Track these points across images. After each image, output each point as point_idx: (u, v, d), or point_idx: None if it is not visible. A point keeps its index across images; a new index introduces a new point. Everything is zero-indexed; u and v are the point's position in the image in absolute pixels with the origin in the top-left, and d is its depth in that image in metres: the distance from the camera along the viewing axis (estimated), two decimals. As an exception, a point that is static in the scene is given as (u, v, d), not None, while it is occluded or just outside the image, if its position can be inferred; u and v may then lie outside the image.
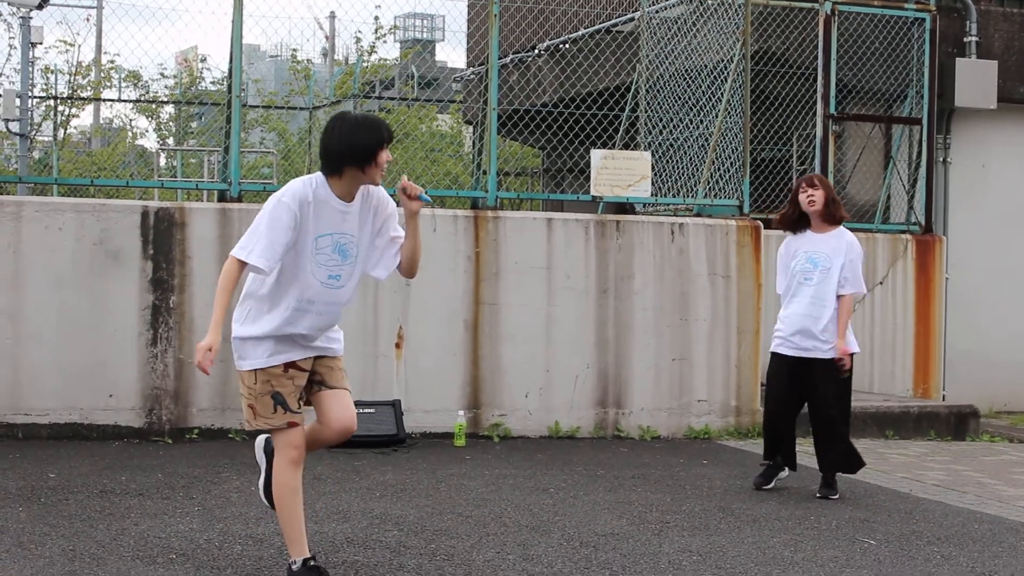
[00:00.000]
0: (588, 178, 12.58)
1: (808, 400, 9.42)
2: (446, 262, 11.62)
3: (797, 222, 9.38)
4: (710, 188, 12.85)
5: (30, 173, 23.46)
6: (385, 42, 30.46)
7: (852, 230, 14.68)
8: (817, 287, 9.24)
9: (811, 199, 9.24)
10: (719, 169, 12.90)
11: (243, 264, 5.97)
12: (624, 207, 12.97)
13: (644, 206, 13.09)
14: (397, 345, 11.51)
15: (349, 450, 10.59)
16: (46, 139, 28.72)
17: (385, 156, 6.05)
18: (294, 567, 6.25)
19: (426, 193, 6.14)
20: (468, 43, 21.85)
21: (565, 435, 11.81)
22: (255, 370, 6.15)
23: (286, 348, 6.14)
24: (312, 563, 6.26)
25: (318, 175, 6.10)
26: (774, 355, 9.45)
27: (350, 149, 5.99)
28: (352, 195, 6.10)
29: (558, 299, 11.89)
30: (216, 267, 10.80)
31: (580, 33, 18.33)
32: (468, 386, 11.67)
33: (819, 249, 9.27)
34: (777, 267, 9.56)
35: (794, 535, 7.97)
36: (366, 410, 10.99)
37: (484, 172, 12.21)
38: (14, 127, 22.78)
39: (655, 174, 13.16)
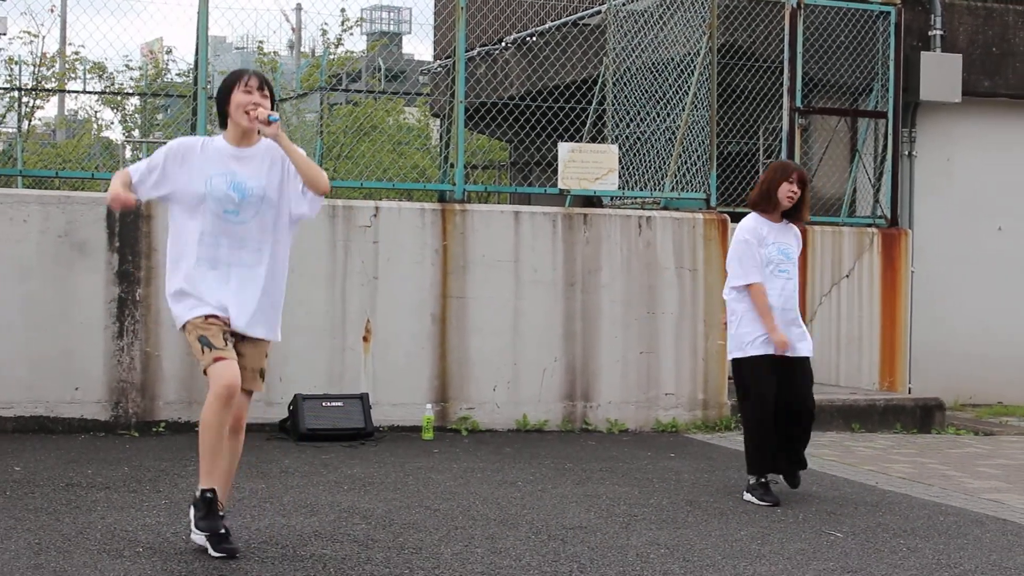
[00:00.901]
0: (555, 171, 12.59)
1: (788, 397, 8.95)
2: (413, 255, 11.61)
3: (768, 204, 8.90)
4: (677, 181, 12.87)
5: (-6, 165, 23.34)
6: (352, 34, 30.49)
7: (818, 224, 14.83)
8: (789, 281, 8.91)
9: (792, 196, 8.80)
10: (686, 162, 12.92)
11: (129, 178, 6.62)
12: (591, 200, 12.99)
13: (611, 199, 13.11)
14: (365, 338, 11.49)
15: (317, 443, 10.59)
16: (10, 130, 28.53)
17: (241, 98, 6.57)
18: (196, 494, 6.69)
19: (274, 113, 6.57)
20: (435, 35, 21.82)
21: (533, 428, 11.82)
22: (184, 324, 6.61)
23: (212, 299, 6.55)
24: (208, 494, 6.63)
25: (217, 135, 6.81)
26: (758, 357, 8.85)
27: (216, 102, 6.79)
28: (245, 141, 6.68)
29: (526, 292, 11.90)
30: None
31: (547, 26, 18.33)
32: (436, 379, 11.67)
33: (788, 241, 8.95)
34: (740, 254, 8.89)
35: (761, 528, 7.99)
36: (334, 403, 11.00)
37: (451, 165, 12.20)
38: (-22, 119, 22.66)
39: (622, 167, 13.18)
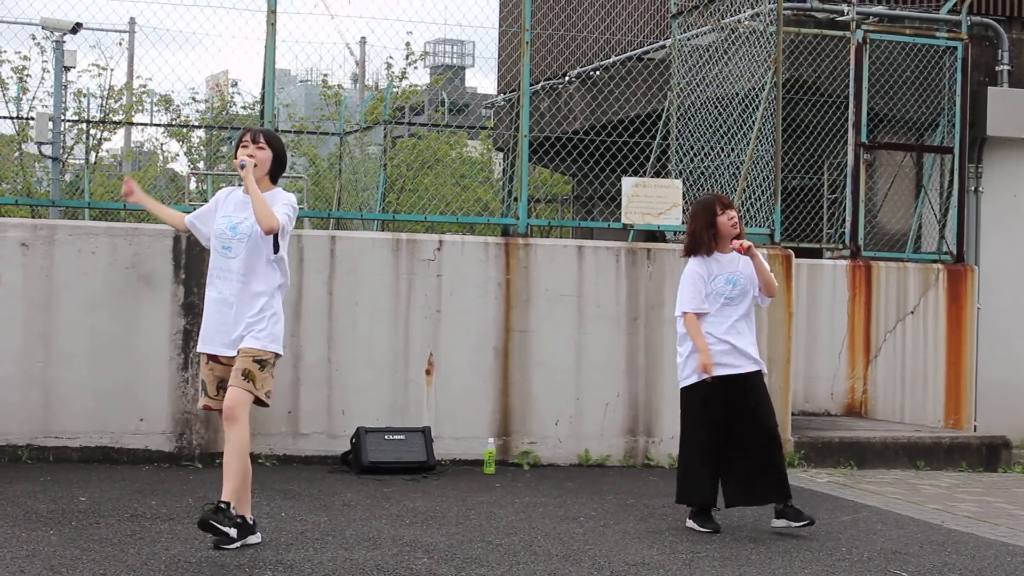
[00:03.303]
0: (619, 206, 12.58)
1: (742, 421, 8.93)
2: (477, 289, 11.62)
3: (705, 244, 8.99)
4: (741, 216, 12.81)
5: (62, 196, 23.56)
6: (416, 68, 30.53)
7: (883, 259, 14.75)
8: (739, 307, 8.98)
9: (734, 220, 8.94)
10: (750, 197, 12.87)
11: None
12: (655, 235, 12.96)
13: (675, 234, 13.07)
14: (427, 371, 11.50)
15: (379, 476, 10.59)
16: (78, 162, 28.80)
17: (239, 154, 7.57)
18: None
19: (245, 160, 7.54)
20: (499, 69, 21.89)
21: (595, 463, 11.78)
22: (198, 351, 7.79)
23: (209, 335, 7.60)
24: (221, 505, 7.44)
25: None
26: (701, 383, 8.91)
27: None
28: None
29: (588, 327, 11.88)
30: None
31: (611, 60, 18.36)
32: (498, 413, 11.66)
33: (738, 270, 8.97)
34: (688, 286, 8.99)
35: (825, 566, 7.92)
36: (396, 436, 11.01)
37: (515, 199, 12.22)
38: (47, 150, 22.86)
39: (686, 202, 13.14)
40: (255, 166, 7.53)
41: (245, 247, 7.54)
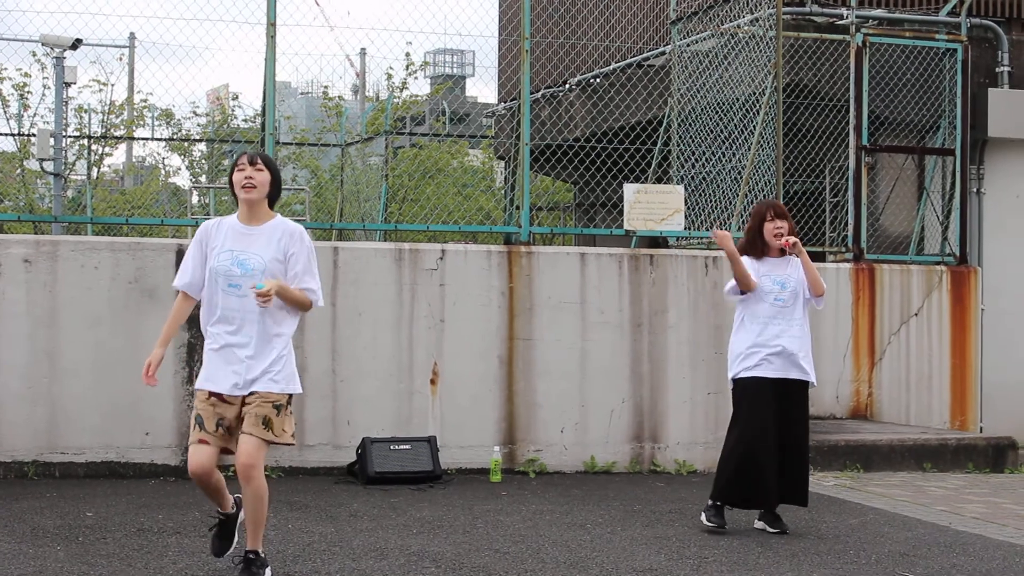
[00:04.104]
0: (621, 212, 12.58)
1: (780, 424, 9.07)
2: (480, 297, 11.62)
3: (758, 248, 9.17)
4: (744, 221, 12.80)
5: (64, 212, 23.58)
6: (416, 78, 30.53)
7: (886, 262, 14.75)
8: (792, 310, 9.10)
9: (779, 231, 9.06)
10: (752, 202, 12.87)
11: (178, 292, 7.29)
12: (657, 241, 12.97)
13: (678, 240, 13.08)
14: (432, 381, 11.50)
15: (385, 487, 10.59)
16: (80, 178, 28.83)
17: (237, 177, 7.11)
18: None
19: (260, 283, 6.96)
20: (499, 78, 21.91)
21: (601, 470, 11.77)
22: (196, 392, 7.15)
23: (216, 375, 7.04)
24: (221, 516, 7.36)
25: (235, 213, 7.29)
26: (751, 379, 9.11)
27: (228, 183, 7.31)
28: (253, 220, 7.15)
29: (592, 334, 11.87)
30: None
31: (611, 67, 18.37)
32: (503, 421, 11.66)
33: (786, 272, 9.11)
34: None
35: (833, 569, 7.92)
36: (402, 446, 11.01)
37: (517, 207, 12.22)
38: (48, 166, 22.89)
39: (688, 208, 13.16)
40: (254, 187, 7.08)
41: (255, 283, 6.96)
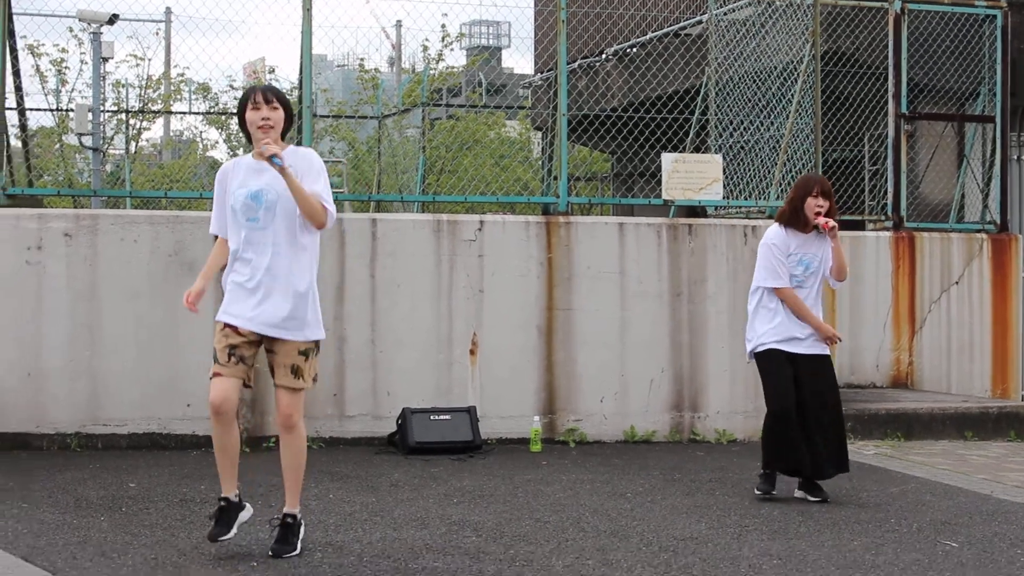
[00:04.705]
0: (659, 182, 12.54)
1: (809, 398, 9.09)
2: (518, 268, 11.62)
3: (797, 219, 9.13)
4: (782, 190, 12.76)
5: (103, 186, 23.69)
6: (452, 50, 30.50)
7: (926, 230, 14.68)
8: (809, 289, 9.11)
9: (820, 209, 9.02)
10: (791, 170, 12.81)
11: (215, 237, 7.31)
12: (696, 210, 12.93)
13: (716, 209, 13.04)
14: (471, 352, 11.51)
15: (425, 457, 10.62)
16: (118, 152, 28.97)
17: (251, 119, 7.04)
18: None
19: (278, 158, 6.88)
20: (535, 49, 21.87)
21: (641, 439, 11.77)
22: (215, 322, 7.18)
23: (232, 308, 7.06)
24: (221, 503, 7.17)
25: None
26: (768, 351, 9.14)
27: (238, 120, 7.27)
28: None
29: (631, 303, 11.86)
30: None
31: (648, 37, 18.31)
32: (543, 391, 11.66)
33: (815, 252, 9.12)
34: (764, 258, 9.17)
35: (874, 538, 7.90)
36: (442, 417, 11.03)
37: (555, 178, 12.20)
38: (87, 141, 23.02)
39: (726, 177, 13.10)
40: (271, 127, 7.03)
41: (275, 216, 7.00)
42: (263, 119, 7.01)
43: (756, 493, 9.17)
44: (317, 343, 7.20)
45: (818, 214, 9.02)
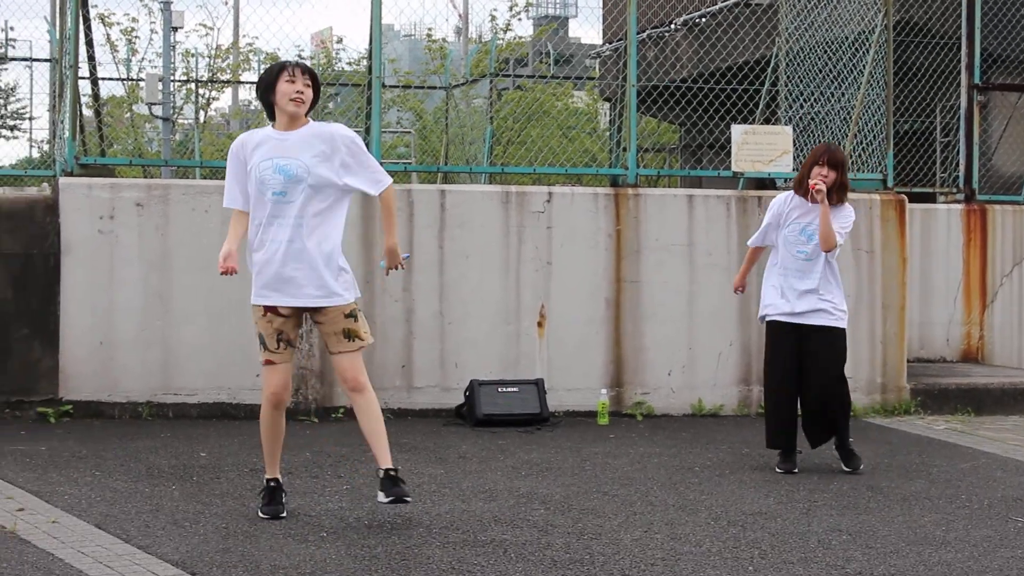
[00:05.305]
0: (728, 154, 12.48)
1: (808, 369, 9.11)
2: (587, 240, 11.60)
3: (803, 187, 9.12)
4: (853, 162, 12.66)
5: (172, 156, 23.84)
6: (520, 19, 30.44)
7: (997, 203, 14.52)
8: (815, 260, 9.06)
9: (816, 179, 8.95)
10: (862, 143, 12.71)
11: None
12: (764, 182, 12.84)
13: (785, 181, 12.93)
14: (539, 324, 11.52)
15: (493, 429, 10.64)
16: (187, 122, 29.13)
17: (284, 90, 7.06)
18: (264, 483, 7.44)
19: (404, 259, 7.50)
20: (604, 20, 21.77)
21: (708, 413, 11.74)
22: (253, 308, 7.20)
23: (271, 290, 7.11)
24: (272, 483, 7.38)
25: (267, 126, 7.29)
26: (772, 323, 9.21)
27: (260, 94, 7.25)
28: (291, 126, 7.13)
29: (699, 276, 11.82)
30: (360, 246, 10.90)
31: (718, 7, 18.19)
32: (611, 364, 11.65)
33: (814, 222, 9.04)
34: (764, 221, 9.42)
35: (945, 514, 7.85)
36: (509, 389, 11.04)
37: (624, 149, 12.16)
38: (157, 111, 23.16)
39: (797, 149, 13.00)
40: (303, 102, 7.13)
41: (303, 190, 7.05)
42: (297, 92, 7.08)
43: (777, 471, 9.14)
44: (357, 301, 7.32)
45: (815, 184, 8.95)
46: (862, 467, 9.17)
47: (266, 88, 7.17)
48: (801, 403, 9.22)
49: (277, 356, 7.19)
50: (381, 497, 7.13)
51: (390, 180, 7.31)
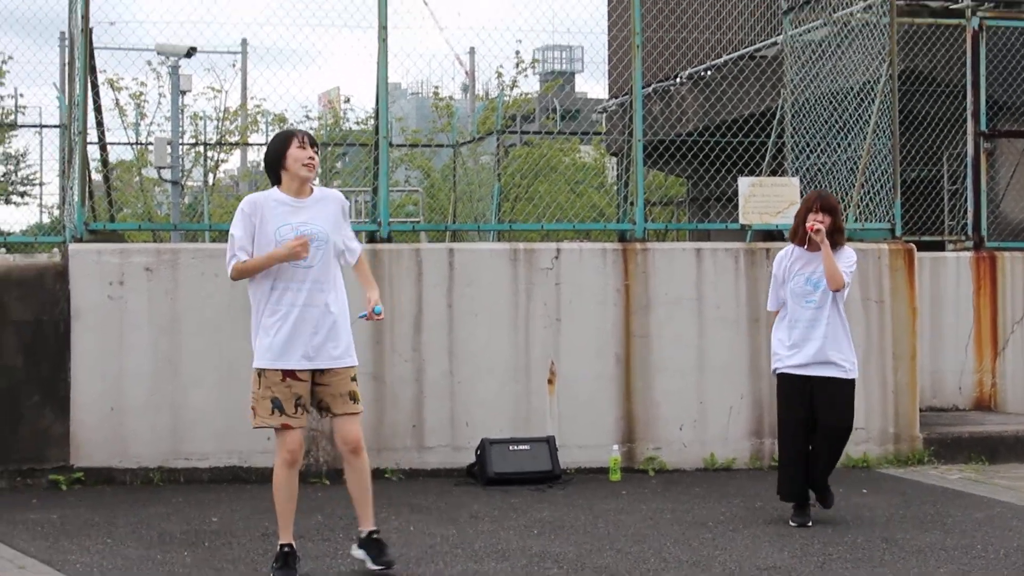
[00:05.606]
0: (735, 206, 12.48)
1: (820, 419, 9.17)
2: (596, 295, 11.59)
3: (799, 236, 9.22)
4: (860, 212, 12.67)
5: (182, 218, 23.90)
6: (526, 76, 30.55)
7: (1007, 249, 14.50)
8: (822, 308, 9.11)
9: (813, 224, 9.04)
10: (869, 192, 12.71)
11: (241, 267, 7.37)
12: (773, 234, 12.84)
13: (793, 232, 12.92)
14: (549, 380, 11.49)
15: (504, 487, 10.60)
16: (196, 184, 29.23)
17: (296, 155, 7.31)
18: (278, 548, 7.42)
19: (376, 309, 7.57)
20: (610, 75, 21.84)
21: (721, 467, 11.69)
22: (259, 372, 7.30)
23: (286, 353, 7.25)
24: (286, 549, 7.37)
25: (272, 188, 7.44)
26: (784, 375, 9.24)
27: (267, 161, 7.47)
28: (301, 192, 7.38)
29: (709, 330, 11.80)
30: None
31: (723, 60, 18.24)
32: (622, 420, 11.62)
33: (818, 269, 9.12)
34: (771, 283, 9.47)
35: (960, 565, 7.81)
36: (521, 447, 11.01)
37: (631, 203, 12.17)
38: (166, 174, 23.22)
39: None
40: (315, 167, 7.48)
41: (322, 254, 7.31)
42: (309, 158, 7.33)
43: (791, 524, 9.12)
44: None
45: (814, 230, 9.03)
46: (832, 504, 9.31)
47: (277, 154, 7.38)
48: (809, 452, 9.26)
49: (295, 420, 7.31)
50: (370, 563, 7.39)
51: (360, 247, 7.72)
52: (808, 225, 9.02)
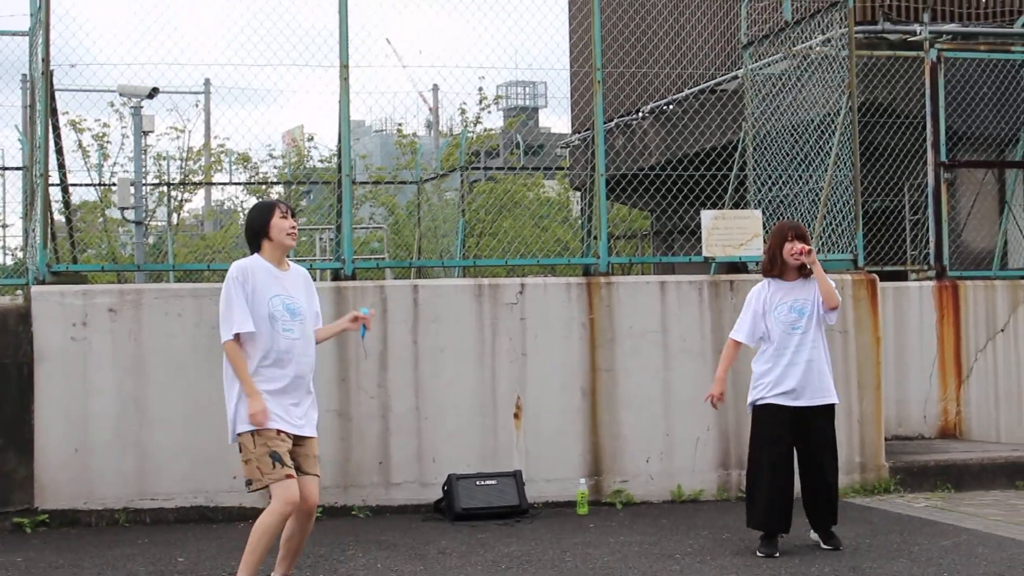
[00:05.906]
0: (699, 239, 12.54)
1: (802, 449, 9.23)
2: (560, 330, 11.61)
3: (776, 267, 9.28)
4: (823, 243, 12.74)
5: (146, 259, 23.84)
6: (490, 112, 30.66)
7: (969, 278, 14.60)
8: (806, 334, 9.18)
9: (794, 253, 9.13)
10: (831, 223, 12.79)
11: (238, 339, 7.37)
12: (736, 266, 12.90)
13: (757, 264, 13.00)
14: (516, 415, 11.50)
15: (472, 523, 10.59)
16: (160, 224, 29.17)
17: (280, 225, 7.53)
18: None
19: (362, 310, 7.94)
20: (572, 110, 21.93)
21: (688, 499, 11.71)
22: (252, 433, 7.31)
23: (283, 415, 7.37)
24: None
25: (254, 255, 7.58)
26: (769, 406, 9.24)
27: (249, 230, 7.64)
28: (283, 264, 7.61)
29: (675, 362, 11.83)
30: (335, 345, 10.89)
31: (684, 94, 18.34)
32: (588, 453, 11.63)
33: (804, 296, 9.20)
34: (746, 315, 9.40)
35: (928, 593, 7.83)
36: (488, 482, 11.00)
37: (595, 238, 12.21)
38: (130, 215, 23.16)
39: (766, 232, 13.07)
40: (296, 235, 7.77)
41: (302, 326, 7.54)
42: (292, 227, 7.59)
43: (758, 555, 9.12)
44: None
45: (795, 257, 9.14)
46: (842, 545, 9.21)
47: (260, 223, 7.56)
48: (803, 484, 9.27)
49: (291, 471, 7.38)
50: None
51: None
52: (799, 248, 9.07)
